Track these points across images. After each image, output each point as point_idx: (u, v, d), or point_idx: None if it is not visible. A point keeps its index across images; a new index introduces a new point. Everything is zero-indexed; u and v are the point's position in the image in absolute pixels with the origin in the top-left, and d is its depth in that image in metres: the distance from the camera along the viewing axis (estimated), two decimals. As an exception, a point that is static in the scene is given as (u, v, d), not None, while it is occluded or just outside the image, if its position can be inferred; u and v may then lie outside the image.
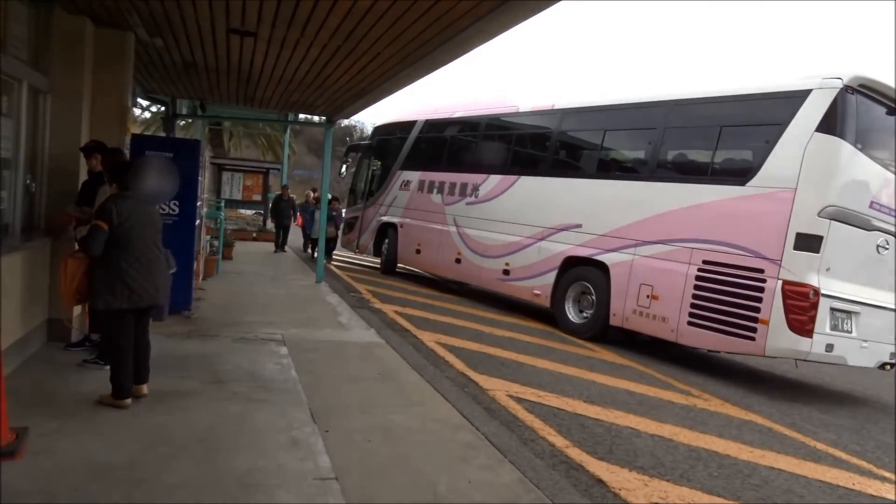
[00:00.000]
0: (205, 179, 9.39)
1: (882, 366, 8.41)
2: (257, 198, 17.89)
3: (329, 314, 9.01)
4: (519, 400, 6.10)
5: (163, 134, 12.54)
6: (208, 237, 11.11)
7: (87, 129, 6.18)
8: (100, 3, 5.67)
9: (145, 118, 21.42)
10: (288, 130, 19.18)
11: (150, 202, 4.95)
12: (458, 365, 7.14)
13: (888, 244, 8.04)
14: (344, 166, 18.45)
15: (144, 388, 4.81)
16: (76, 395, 4.71)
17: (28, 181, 5.65)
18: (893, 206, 8.09)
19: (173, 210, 7.66)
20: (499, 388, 6.39)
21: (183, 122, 12.28)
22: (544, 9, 4.46)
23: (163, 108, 13.16)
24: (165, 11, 5.68)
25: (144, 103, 17.05)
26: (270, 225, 18.26)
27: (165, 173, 6.81)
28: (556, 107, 11.44)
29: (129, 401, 4.56)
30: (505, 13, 4.73)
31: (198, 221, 8.25)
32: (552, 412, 5.87)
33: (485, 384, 6.48)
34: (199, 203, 8.14)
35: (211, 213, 11.51)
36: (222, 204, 13.97)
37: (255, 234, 17.73)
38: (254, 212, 23.20)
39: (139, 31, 6.37)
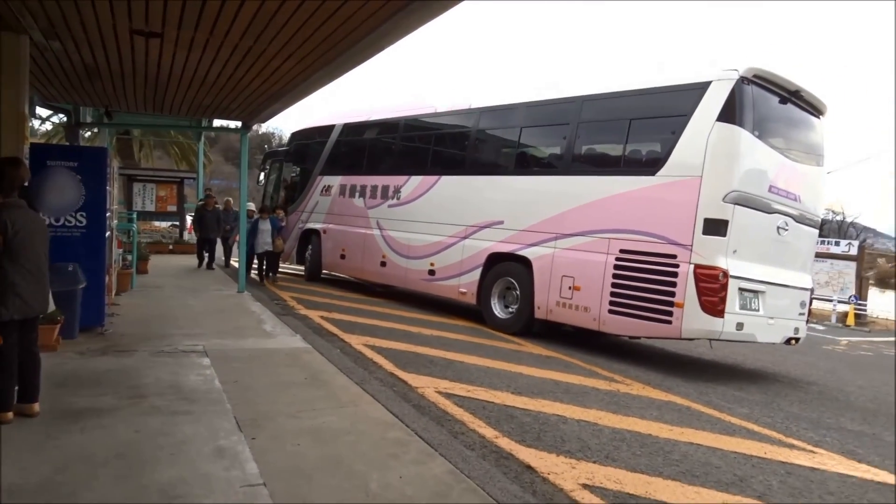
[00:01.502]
0: (114, 190, 8.97)
1: (788, 341, 8.95)
2: (172, 209, 17.21)
3: (253, 323, 8.79)
4: (448, 395, 6.14)
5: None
6: (121, 251, 10.64)
7: (-20, 139, 5.81)
8: (-12, 5, 5.34)
9: (46, 130, 20.32)
10: (202, 138, 18.58)
11: (38, 210, 4.77)
12: (387, 365, 7.12)
13: (787, 225, 8.56)
14: (262, 174, 18.08)
15: (36, 407, 4.59)
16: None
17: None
18: (790, 190, 8.61)
19: (80, 222, 7.30)
20: (428, 386, 6.42)
21: (88, 132, 11.68)
22: (448, 9, 4.51)
23: (65, 118, 12.52)
24: (62, 12, 5.41)
25: (44, 114, 16.17)
26: (188, 236, 17.44)
27: (66, 184, 6.53)
28: (472, 106, 11.59)
29: (10, 415, 4.40)
30: (411, 14, 4.76)
31: (108, 234, 7.89)
32: (481, 405, 5.94)
33: (414, 382, 6.48)
34: (108, 214, 7.77)
35: (122, 226, 11.01)
36: (134, 216, 13.38)
37: (171, 247, 17.07)
38: (169, 223, 22.38)
39: (34, 33, 6.03)
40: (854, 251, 21.41)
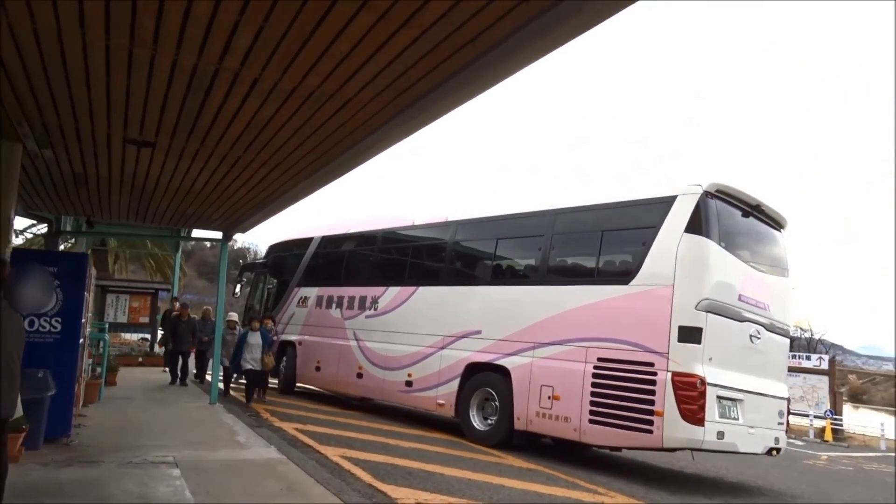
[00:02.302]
0: (90, 297, 8.89)
1: (769, 451, 8.87)
2: (144, 320, 16.96)
3: (226, 434, 8.50)
4: (429, 507, 5.93)
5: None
6: (90, 361, 10.38)
7: (-37, 242, 5.83)
8: (-12, 114, 5.54)
9: (19, 243, 20.22)
10: (179, 250, 18.68)
11: (19, 311, 4.73)
12: (365, 477, 6.87)
13: (759, 334, 8.74)
14: (238, 286, 18.07)
15: None
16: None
17: None
18: (758, 299, 8.86)
19: (55, 328, 7.20)
20: (408, 497, 6.19)
21: (65, 243, 11.72)
22: (439, 117, 4.80)
23: (43, 229, 12.57)
24: (60, 123, 5.62)
25: (21, 225, 16.20)
26: (159, 350, 16.89)
27: (43, 283, 6.51)
28: (449, 219, 11.93)
29: None
30: (401, 125, 5.05)
31: (81, 341, 7.75)
32: (463, 516, 5.73)
33: (393, 493, 6.26)
34: (83, 321, 7.68)
35: (93, 335, 10.80)
36: (105, 326, 13.16)
37: (141, 359, 16.66)
38: (139, 337, 21.92)
39: (28, 142, 6.22)
40: (825, 365, 21.66)
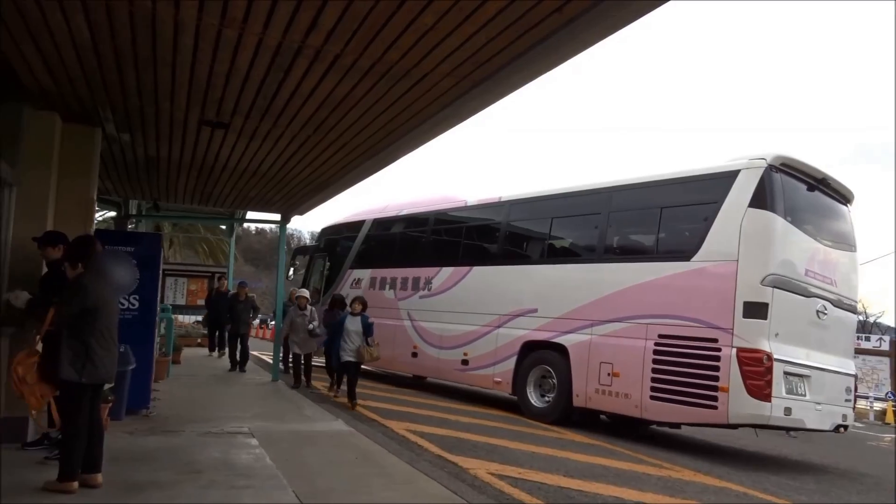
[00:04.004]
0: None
1: (836, 428, 8.74)
2: (201, 302, 17.45)
3: (292, 408, 8.77)
4: (501, 477, 6.04)
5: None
6: (157, 340, 10.77)
7: (52, 222, 6.11)
8: (74, 99, 5.78)
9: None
10: (234, 234, 19.13)
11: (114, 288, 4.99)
12: (433, 448, 7.03)
13: (826, 309, 8.57)
14: (291, 269, 18.42)
15: (99, 478, 4.62)
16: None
17: (-9, 273, 5.50)
18: (825, 274, 8.69)
19: (133, 305, 7.49)
20: (478, 467, 6.31)
21: (131, 225, 12.14)
22: (512, 92, 4.84)
23: (110, 214, 13.02)
24: (142, 106, 5.83)
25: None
26: (203, 329, 17.01)
27: (127, 267, 6.78)
28: (502, 199, 11.95)
29: (76, 484, 4.42)
30: (474, 100, 5.10)
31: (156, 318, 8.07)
32: (536, 486, 5.82)
33: (464, 464, 6.39)
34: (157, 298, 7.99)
35: (163, 315, 11.20)
36: (169, 308, 13.61)
37: (199, 340, 17.18)
38: (193, 320, 22.54)
39: (108, 126, 6.48)
40: (886, 346, 21.08)
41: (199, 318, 20.83)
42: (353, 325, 10.00)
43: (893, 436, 16.32)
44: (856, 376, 9.36)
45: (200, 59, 4.70)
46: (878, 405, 20.74)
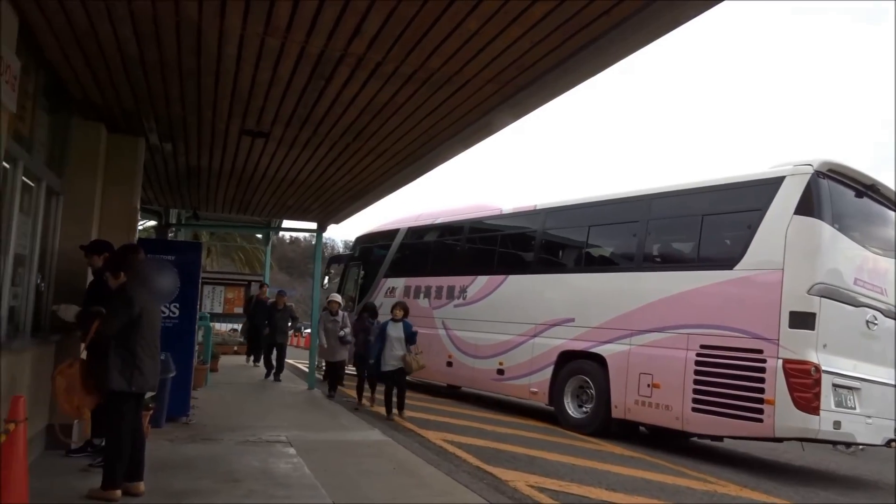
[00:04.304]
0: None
1: (888, 442, 8.42)
2: (239, 310, 17.64)
3: (328, 417, 8.77)
4: (541, 489, 5.93)
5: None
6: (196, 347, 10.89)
7: (97, 230, 6.21)
8: (119, 109, 5.88)
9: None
10: (270, 242, 19.34)
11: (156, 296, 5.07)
12: (471, 459, 6.94)
13: (876, 319, 8.28)
14: (326, 277, 18.52)
15: (141, 486, 4.64)
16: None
17: (38, 280, 5.60)
18: (875, 283, 8.41)
19: (173, 313, 7.57)
20: (518, 479, 6.21)
21: (171, 234, 12.34)
22: (555, 97, 4.77)
23: (151, 223, 13.25)
24: (185, 115, 5.90)
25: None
26: (241, 338, 17.18)
27: (168, 275, 6.86)
28: (538, 207, 11.85)
29: (119, 492, 4.44)
30: (515, 106, 5.05)
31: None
32: (578, 500, 5.71)
33: (503, 476, 6.29)
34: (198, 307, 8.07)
35: (202, 323, 11.33)
36: (207, 316, 13.77)
37: (235, 348, 17.36)
38: (229, 328, 22.79)
39: (151, 135, 6.58)
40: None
41: (236, 326, 21.09)
42: (395, 331, 9.44)
43: None
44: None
45: (243, 69, 4.74)
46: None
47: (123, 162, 6.57)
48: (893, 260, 8.87)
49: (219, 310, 17.31)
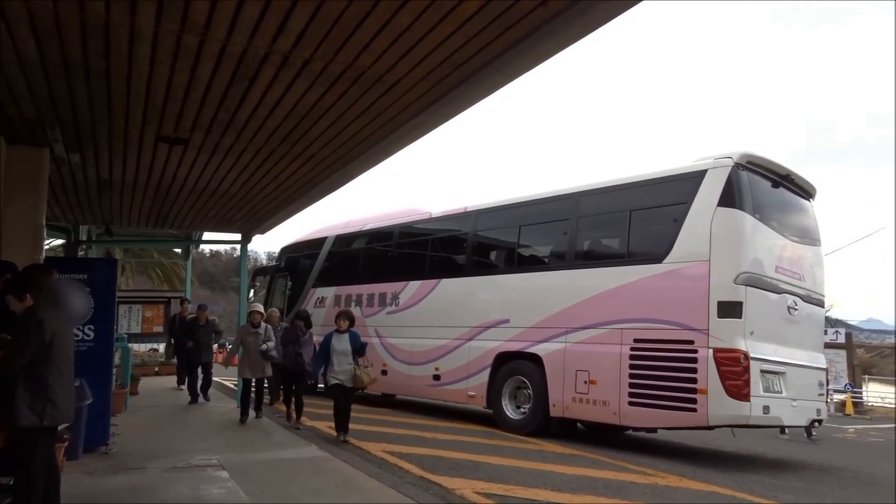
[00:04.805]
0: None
1: (812, 423, 8.80)
2: (159, 329, 16.79)
3: (261, 435, 8.40)
4: (489, 495, 5.81)
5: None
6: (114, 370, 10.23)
7: (-2, 251, 5.69)
8: (18, 117, 5.40)
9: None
10: (190, 256, 18.53)
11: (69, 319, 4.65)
12: (415, 469, 6.75)
13: (797, 305, 8.64)
14: (251, 290, 17.91)
15: None
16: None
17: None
18: (794, 270, 8.77)
19: (88, 335, 7.05)
20: (464, 487, 6.07)
21: (81, 252, 11.54)
22: (488, 95, 4.68)
23: (58, 241, 12.41)
24: (94, 123, 5.48)
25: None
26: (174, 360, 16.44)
27: (81, 295, 6.38)
28: (468, 209, 11.81)
29: None
30: (448, 105, 4.93)
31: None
32: (526, 503, 5.62)
33: (449, 484, 6.13)
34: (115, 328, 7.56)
35: (119, 344, 10.67)
36: (125, 336, 13.01)
37: (157, 369, 16.51)
38: (149, 348, 21.70)
39: (57, 146, 6.09)
40: (842, 339, 21.62)
41: (155, 345, 20.10)
42: (340, 343, 8.47)
43: (855, 427, 16.68)
44: (826, 369, 9.46)
45: (158, 70, 4.42)
46: (837, 397, 21.22)
47: (25, 175, 6.05)
48: (808, 247, 9.30)
49: (137, 329, 16.40)
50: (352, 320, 8.84)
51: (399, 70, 4.32)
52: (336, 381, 8.41)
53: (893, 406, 21.43)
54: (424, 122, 5.28)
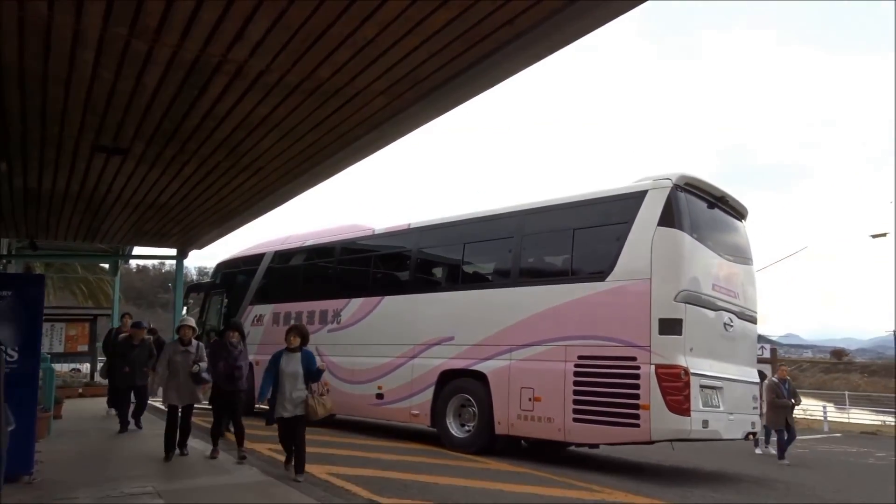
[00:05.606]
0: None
1: (746, 436, 9.07)
2: (83, 349, 15.93)
3: (200, 460, 8.02)
4: (441, 516, 5.71)
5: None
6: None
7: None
8: (-60, 122, 5.04)
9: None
10: (119, 272, 17.70)
11: None
12: (362, 492, 6.59)
13: (732, 321, 8.94)
14: (185, 308, 17.26)
15: None
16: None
17: None
18: (730, 287, 9.08)
19: (11, 357, 6.57)
20: (415, 508, 5.96)
21: (0, 267, 10.82)
22: (446, 111, 4.66)
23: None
24: (25, 130, 5.16)
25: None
26: (102, 380, 15.49)
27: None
28: (411, 225, 11.75)
29: None
30: (406, 120, 4.89)
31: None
32: (479, 523, 5.55)
33: (399, 506, 6.01)
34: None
35: (43, 365, 10.03)
36: (47, 356, 12.27)
37: (80, 390, 15.65)
38: (71, 368, 20.57)
39: (-19, 153, 5.70)
40: (767, 354, 22.50)
41: (77, 366, 19.10)
42: (290, 365, 7.17)
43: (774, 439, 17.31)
44: (760, 384, 9.80)
45: (101, 76, 4.20)
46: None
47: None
48: (742, 265, 9.66)
49: (59, 349, 15.54)
50: (304, 337, 7.53)
51: (358, 83, 4.25)
52: (285, 414, 7.08)
53: (820, 418, 22.36)
54: (380, 137, 5.21)
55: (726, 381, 8.66)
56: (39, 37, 3.70)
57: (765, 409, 12.18)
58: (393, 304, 11.45)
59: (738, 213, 9.87)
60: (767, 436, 12.99)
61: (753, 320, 9.75)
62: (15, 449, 6.41)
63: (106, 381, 12.50)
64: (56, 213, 7.97)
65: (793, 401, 12.45)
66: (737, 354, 9.11)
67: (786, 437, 12.03)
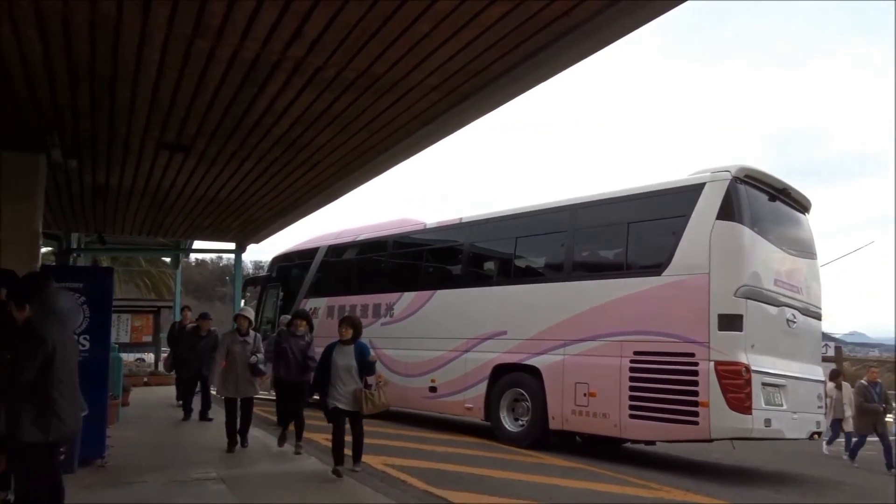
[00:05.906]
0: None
1: (811, 435, 8.78)
2: (148, 339, 16.56)
3: (260, 448, 8.25)
4: (496, 510, 5.73)
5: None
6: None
7: (-6, 259, 5.55)
8: (17, 123, 5.29)
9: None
10: (180, 266, 18.30)
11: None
12: (418, 483, 6.65)
13: (796, 317, 8.64)
14: (243, 301, 17.73)
15: None
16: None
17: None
18: (792, 283, 8.78)
19: (83, 346, 6.87)
20: (471, 501, 5.99)
21: (71, 260, 11.35)
22: (501, 105, 4.64)
23: (46, 249, 12.21)
24: (94, 129, 5.38)
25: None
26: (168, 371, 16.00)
27: (73, 303, 6.25)
28: (463, 220, 11.75)
29: None
30: (462, 114, 4.89)
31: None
32: (535, 518, 5.54)
33: (453, 498, 6.05)
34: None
35: (112, 354, 10.46)
36: (115, 346, 12.78)
37: (146, 379, 16.26)
38: (136, 357, 21.40)
39: (54, 152, 5.97)
40: (832, 352, 21.72)
41: (142, 355, 19.84)
42: (343, 358, 6.91)
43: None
44: (825, 382, 9.47)
45: (166, 75, 4.34)
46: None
47: (21, 181, 5.92)
48: (805, 260, 9.33)
49: (125, 339, 16.16)
50: (357, 328, 7.20)
51: (413, 78, 4.27)
52: (336, 405, 6.84)
53: (891, 419, 21.44)
54: (434, 131, 5.23)
55: (790, 379, 8.39)
56: (108, 38, 3.84)
57: (850, 414, 11.68)
58: (445, 298, 11.48)
59: (801, 205, 9.53)
60: (848, 441, 12.34)
61: (818, 317, 9.41)
62: (88, 434, 6.71)
63: (171, 374, 12.69)
64: (122, 208, 8.29)
65: (884, 406, 11.65)
66: (800, 352, 8.81)
67: (883, 447, 11.21)
